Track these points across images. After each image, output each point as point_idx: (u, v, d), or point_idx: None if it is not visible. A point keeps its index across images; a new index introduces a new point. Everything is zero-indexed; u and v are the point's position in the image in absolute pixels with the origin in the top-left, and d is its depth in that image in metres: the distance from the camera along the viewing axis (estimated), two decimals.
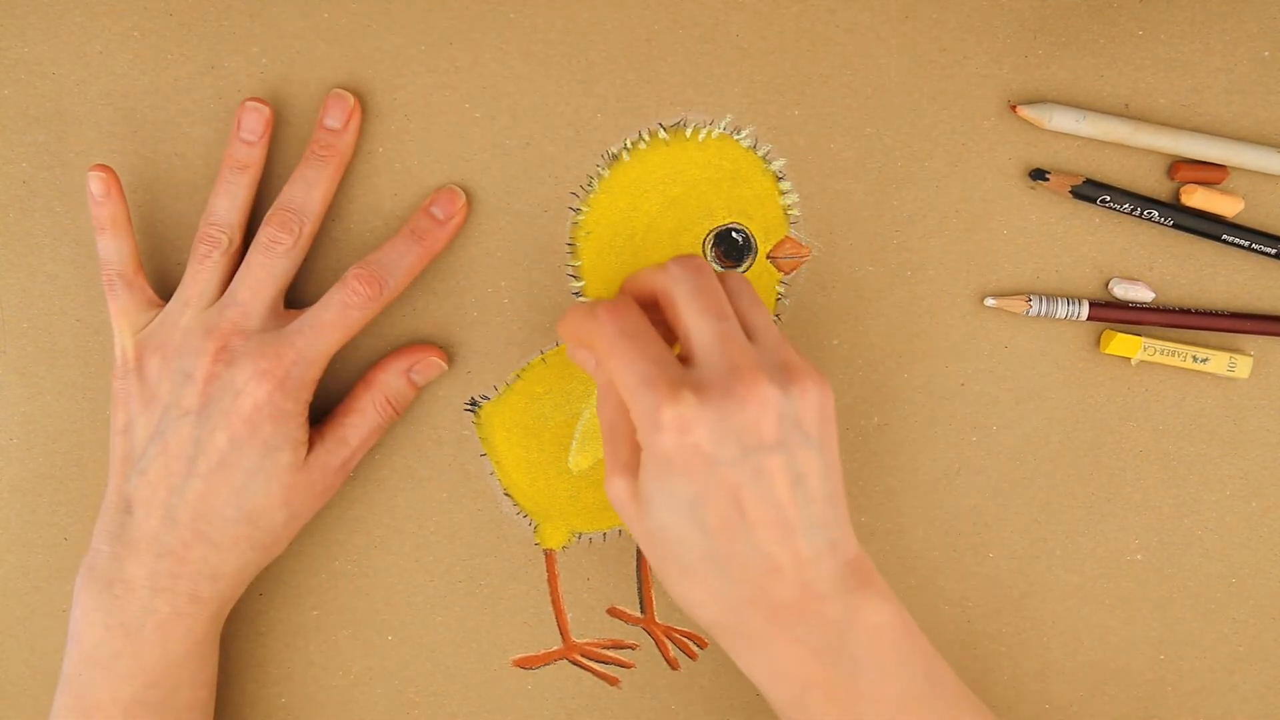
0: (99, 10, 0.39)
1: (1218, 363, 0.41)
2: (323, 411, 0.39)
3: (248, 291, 0.37)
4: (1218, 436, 0.42)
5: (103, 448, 0.41)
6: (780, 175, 0.41)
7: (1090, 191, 0.40)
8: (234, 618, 0.42)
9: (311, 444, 0.38)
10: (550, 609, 0.43)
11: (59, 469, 0.42)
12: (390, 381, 0.39)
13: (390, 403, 0.39)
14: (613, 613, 0.43)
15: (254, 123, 0.38)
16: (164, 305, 0.38)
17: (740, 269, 0.41)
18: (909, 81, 0.40)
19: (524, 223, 0.41)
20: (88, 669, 0.36)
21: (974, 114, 0.41)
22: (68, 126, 0.40)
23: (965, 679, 0.43)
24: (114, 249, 0.38)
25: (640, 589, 0.43)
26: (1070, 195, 0.40)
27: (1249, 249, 0.41)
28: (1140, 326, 0.41)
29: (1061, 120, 0.39)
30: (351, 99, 0.39)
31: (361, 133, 0.40)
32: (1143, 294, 0.41)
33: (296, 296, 0.40)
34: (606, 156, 0.40)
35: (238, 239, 0.38)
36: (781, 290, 0.41)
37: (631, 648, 0.43)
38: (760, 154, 0.40)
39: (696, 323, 0.33)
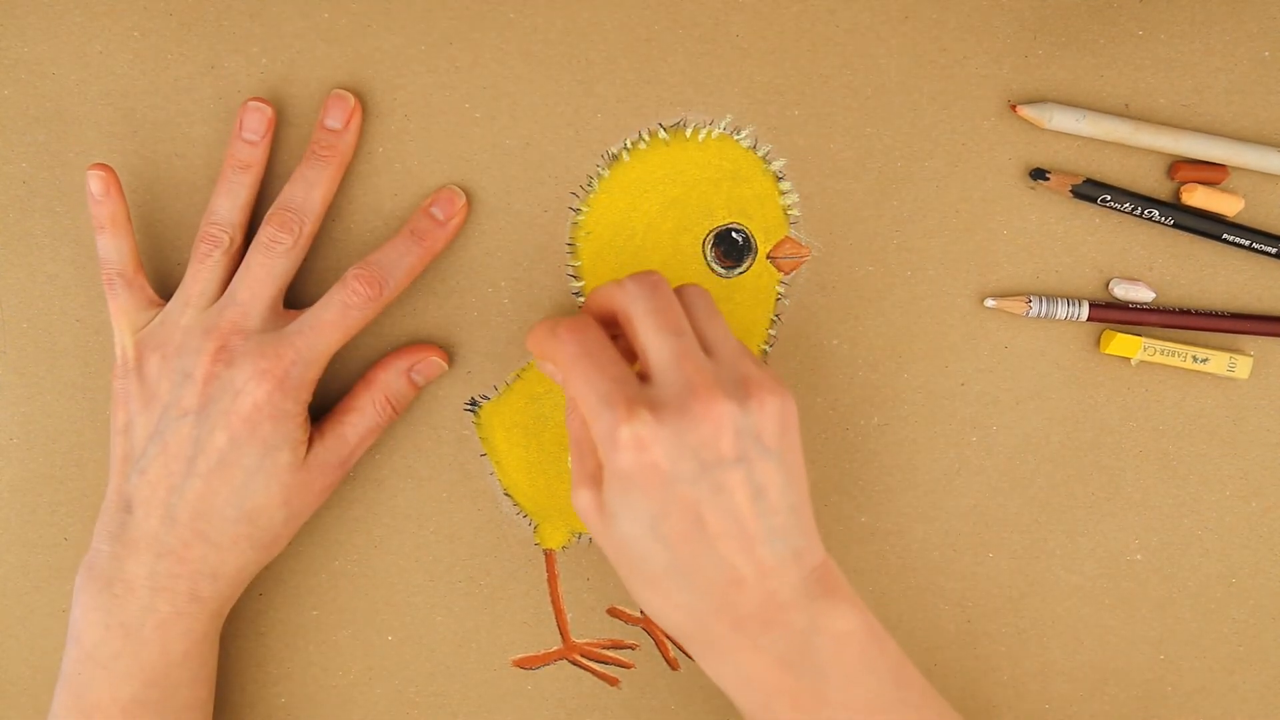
0: (99, 10, 0.39)
1: (1218, 363, 0.41)
2: (323, 411, 0.39)
3: (247, 291, 0.37)
4: (1218, 436, 0.42)
5: (103, 448, 0.41)
6: (780, 175, 0.41)
7: (1090, 191, 0.40)
8: (234, 618, 0.42)
9: (311, 442, 0.38)
10: (550, 609, 0.43)
11: (59, 469, 0.42)
12: (391, 381, 0.39)
13: (390, 402, 0.39)
14: (612, 613, 0.43)
15: (256, 122, 0.38)
16: (164, 305, 0.38)
17: (740, 269, 0.41)
18: (909, 81, 0.40)
19: (524, 223, 0.41)
20: (87, 668, 0.36)
21: (974, 114, 0.41)
22: (68, 126, 0.40)
23: (965, 679, 0.43)
24: (114, 248, 0.38)
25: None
26: (1070, 195, 0.40)
27: (1249, 249, 0.41)
28: (1140, 327, 0.41)
29: (1061, 120, 0.39)
30: (352, 99, 0.39)
31: (362, 133, 0.40)
32: (1143, 294, 0.41)
33: (296, 296, 0.40)
34: (606, 156, 0.40)
35: (239, 238, 0.38)
36: (781, 290, 0.41)
37: (631, 648, 0.43)
38: (760, 154, 0.40)
39: (652, 340, 0.33)
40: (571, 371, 0.33)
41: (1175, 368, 0.42)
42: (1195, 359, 0.41)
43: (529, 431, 0.42)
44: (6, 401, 0.41)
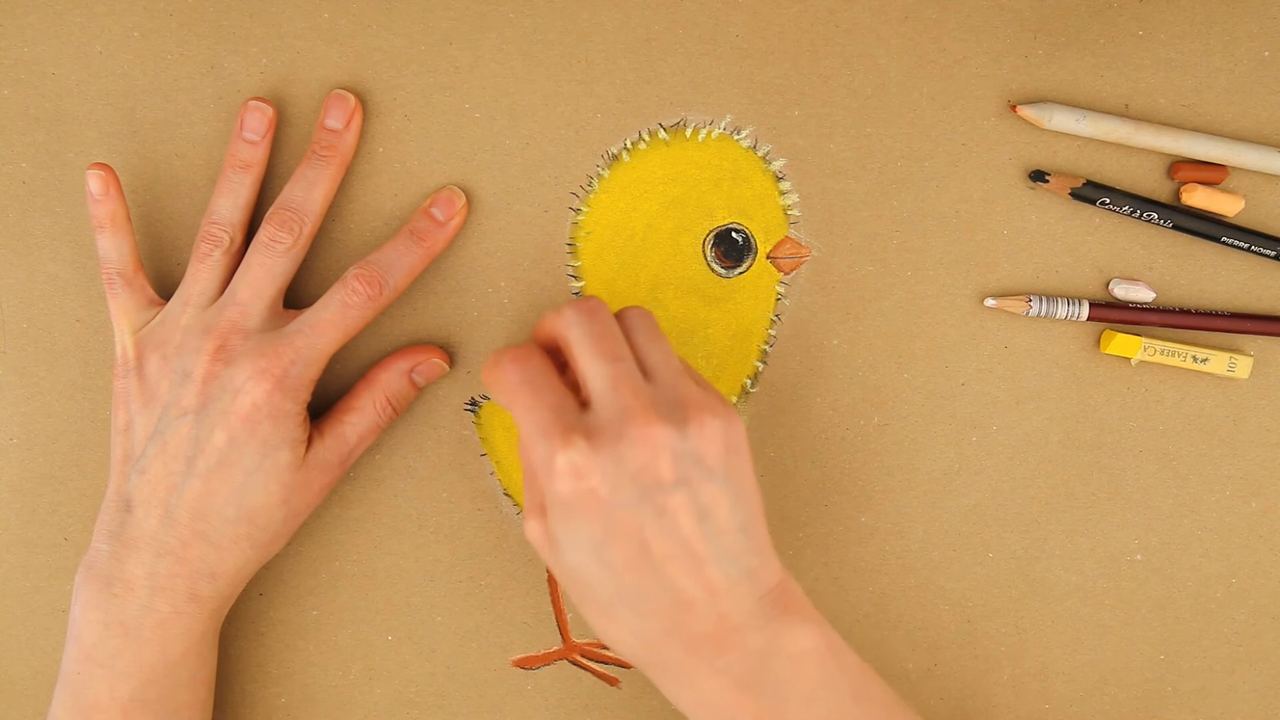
0: (99, 10, 0.39)
1: (1218, 363, 0.41)
2: (323, 410, 0.39)
3: (247, 290, 0.37)
4: (1218, 436, 0.42)
5: (103, 448, 0.41)
6: (780, 175, 0.41)
7: (1090, 193, 0.40)
8: (234, 618, 0.42)
9: (310, 441, 0.38)
10: (550, 609, 0.43)
11: (59, 469, 0.42)
12: (392, 381, 0.39)
13: (390, 402, 0.39)
14: None
15: (257, 122, 0.38)
16: (164, 304, 0.38)
17: (740, 269, 0.41)
18: (909, 81, 0.40)
19: (524, 223, 0.41)
20: (87, 667, 0.36)
21: (974, 114, 0.41)
22: (68, 126, 0.40)
23: (965, 679, 0.43)
24: (113, 247, 0.38)
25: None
26: (1070, 197, 0.40)
27: (1249, 250, 0.41)
28: (1140, 327, 0.41)
29: (1061, 120, 0.39)
30: (353, 99, 0.39)
31: (362, 133, 0.40)
32: (1143, 294, 0.41)
33: (296, 296, 0.40)
34: (606, 156, 0.40)
35: (239, 238, 0.38)
36: (781, 290, 0.41)
37: None
38: (760, 154, 0.40)
39: (590, 367, 0.33)
40: (513, 401, 0.33)
41: (1175, 368, 0.42)
42: (1195, 359, 0.41)
43: None
44: (6, 401, 0.41)
